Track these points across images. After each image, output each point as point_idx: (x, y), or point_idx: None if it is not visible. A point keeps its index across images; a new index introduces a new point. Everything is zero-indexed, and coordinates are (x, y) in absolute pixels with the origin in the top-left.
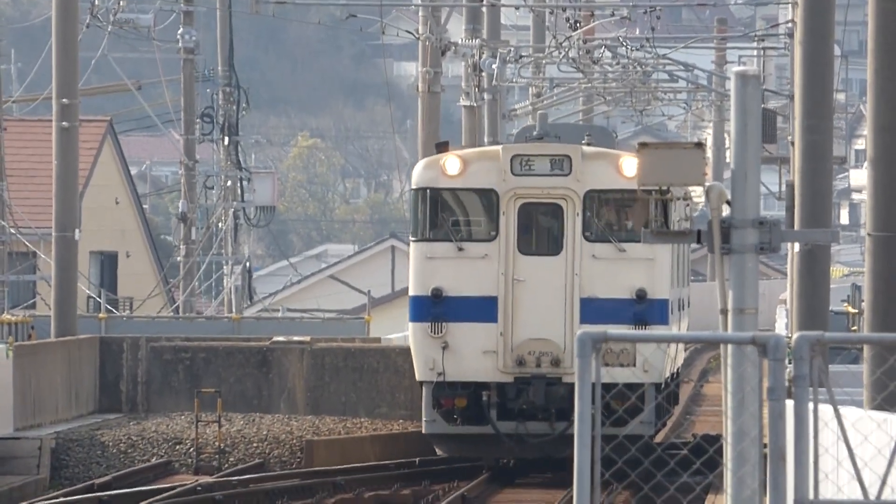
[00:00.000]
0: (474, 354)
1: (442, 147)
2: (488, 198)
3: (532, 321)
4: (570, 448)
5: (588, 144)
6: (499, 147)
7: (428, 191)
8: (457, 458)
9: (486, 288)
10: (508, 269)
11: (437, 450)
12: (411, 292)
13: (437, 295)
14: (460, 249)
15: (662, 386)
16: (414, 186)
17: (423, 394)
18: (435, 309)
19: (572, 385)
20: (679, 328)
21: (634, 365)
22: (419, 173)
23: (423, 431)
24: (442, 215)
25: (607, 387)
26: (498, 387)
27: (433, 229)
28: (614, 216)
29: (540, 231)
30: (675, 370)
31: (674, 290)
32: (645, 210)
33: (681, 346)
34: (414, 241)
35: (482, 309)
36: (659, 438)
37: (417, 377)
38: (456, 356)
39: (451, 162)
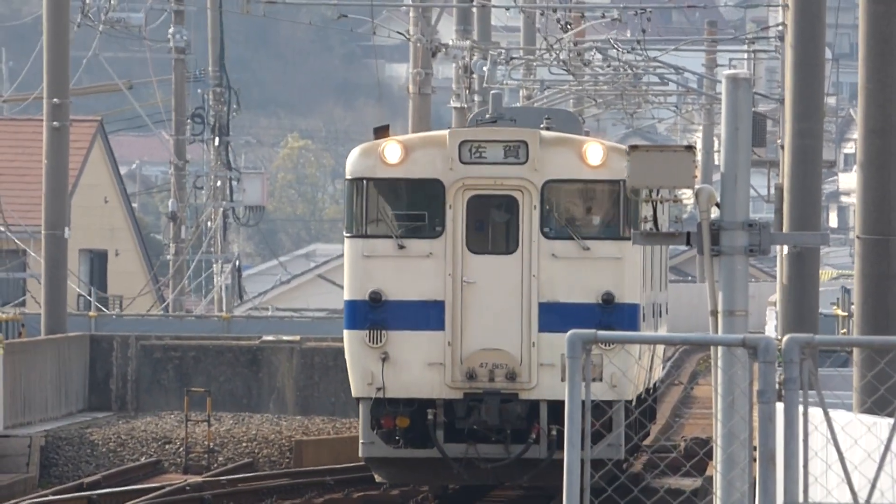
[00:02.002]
0: (418, 367)
1: (381, 132)
2: (433, 189)
3: (484, 329)
4: (527, 474)
5: (548, 129)
6: (445, 132)
7: (364, 181)
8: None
9: (432, 291)
10: (456, 270)
11: (375, 476)
12: (346, 296)
13: (375, 299)
14: (401, 247)
15: (634, 404)
16: (349, 176)
17: (359, 412)
18: (373, 315)
19: (529, 403)
20: (653, 347)
21: (601, 379)
22: (354, 161)
23: (360, 455)
24: (380, 209)
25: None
26: (445, 404)
27: (370, 224)
28: (577, 210)
29: (492, 227)
30: (652, 385)
31: (646, 293)
32: (610, 204)
33: (659, 357)
34: (349, 237)
35: (427, 315)
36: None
37: (353, 393)
38: (397, 369)
39: (390, 149)
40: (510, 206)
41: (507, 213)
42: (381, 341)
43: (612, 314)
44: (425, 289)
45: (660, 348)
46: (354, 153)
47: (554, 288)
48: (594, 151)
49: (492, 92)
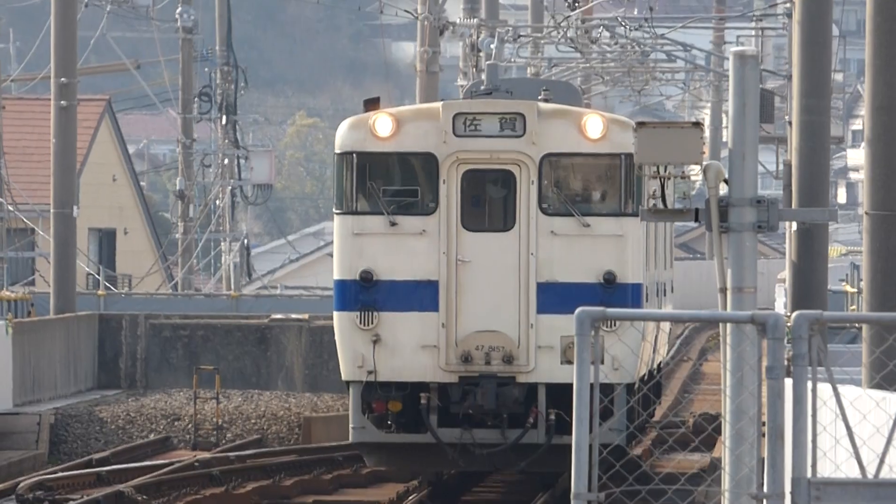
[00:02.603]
0: (411, 350)
1: (372, 104)
2: (426, 163)
3: (480, 310)
4: (524, 460)
5: (546, 101)
6: (439, 104)
7: (354, 155)
8: None
9: (425, 270)
10: (451, 248)
11: (367, 462)
12: (336, 276)
13: (366, 279)
14: (393, 224)
15: (636, 386)
16: (338, 150)
17: (349, 396)
18: (364, 296)
19: (527, 386)
20: (658, 323)
21: (602, 362)
22: (344, 135)
23: (350, 440)
24: (371, 184)
25: (567, 388)
26: (439, 388)
27: (361, 200)
28: (577, 185)
29: (488, 203)
30: (657, 366)
31: (649, 272)
32: (612, 178)
33: (664, 338)
34: (338, 213)
35: (420, 295)
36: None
37: (343, 376)
38: (389, 352)
39: (381, 122)
40: (507, 182)
41: (504, 188)
42: (372, 323)
43: (614, 294)
44: (418, 268)
45: (665, 330)
46: (344, 126)
47: (553, 267)
48: (594, 124)
49: (487, 63)
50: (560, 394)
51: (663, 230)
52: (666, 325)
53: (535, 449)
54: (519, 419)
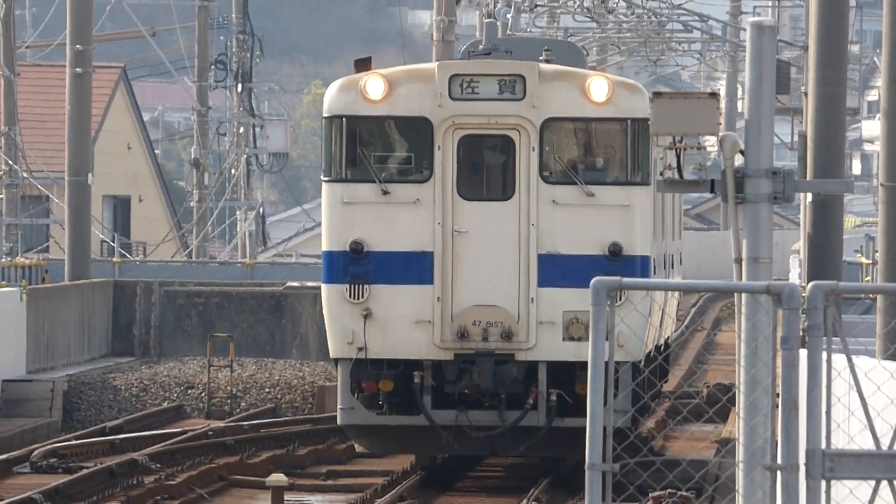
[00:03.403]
0: (404, 325)
1: (363, 65)
2: (420, 128)
3: (477, 284)
4: (523, 443)
5: (547, 62)
6: (433, 64)
7: (344, 119)
8: None
9: (419, 241)
10: (446, 218)
11: (356, 446)
12: (324, 247)
13: (356, 250)
14: (385, 193)
15: (643, 364)
16: (326, 114)
17: (338, 374)
18: (354, 268)
19: (527, 364)
20: (666, 292)
21: (606, 339)
22: (332, 97)
23: (339, 422)
24: (361, 150)
25: (570, 367)
26: (434, 366)
27: (351, 167)
28: (580, 152)
29: (486, 170)
30: (664, 342)
31: (657, 244)
32: (617, 145)
33: (671, 313)
34: (327, 181)
35: (414, 267)
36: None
37: (331, 353)
38: (381, 327)
39: (373, 83)
40: (506, 147)
41: (503, 154)
42: (362, 296)
43: (620, 267)
44: (412, 239)
45: (672, 305)
46: (333, 88)
47: (555, 238)
48: (599, 86)
49: (486, 20)
50: (562, 373)
51: (671, 200)
52: (674, 300)
53: (536, 432)
54: (518, 400)
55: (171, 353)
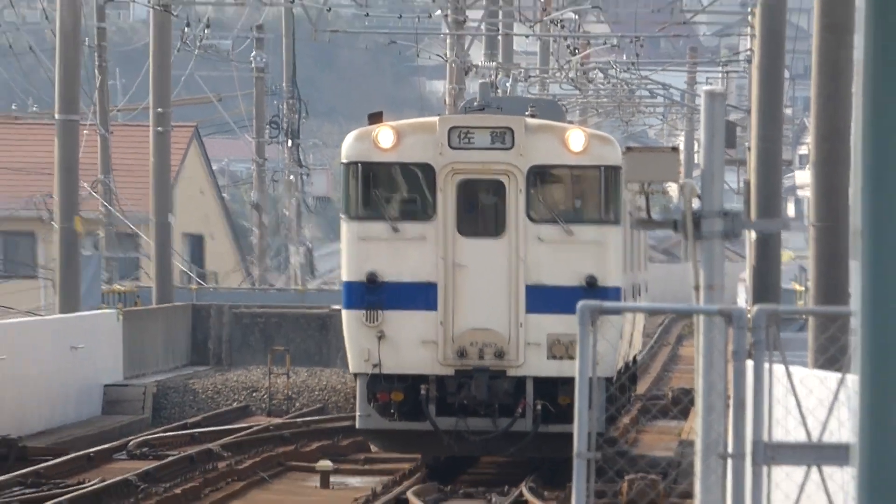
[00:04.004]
0: (412, 345)
1: (375, 118)
2: (425, 173)
3: (474, 310)
4: (513, 446)
5: (532, 116)
6: (435, 118)
7: (359, 165)
8: None
9: (425, 273)
10: (448, 253)
11: (371, 446)
12: (344, 277)
13: (371, 280)
14: (395, 230)
15: (615, 379)
16: (343, 160)
17: (357, 387)
18: (370, 296)
19: (517, 379)
20: (633, 320)
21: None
22: (349, 146)
23: (357, 427)
24: (375, 192)
25: (553, 381)
26: (437, 380)
27: (366, 207)
28: (561, 195)
29: (481, 210)
30: (632, 358)
31: (627, 275)
32: (593, 189)
33: (639, 333)
34: (345, 220)
35: (421, 296)
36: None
37: (351, 369)
38: (393, 347)
39: (383, 134)
40: (498, 190)
41: (495, 196)
42: (377, 320)
43: (595, 296)
44: (419, 271)
45: (639, 328)
46: (349, 138)
47: (540, 271)
48: (576, 138)
49: (479, 81)
50: (546, 386)
51: (638, 236)
52: (640, 323)
53: (524, 436)
54: (509, 409)
55: (239, 363)
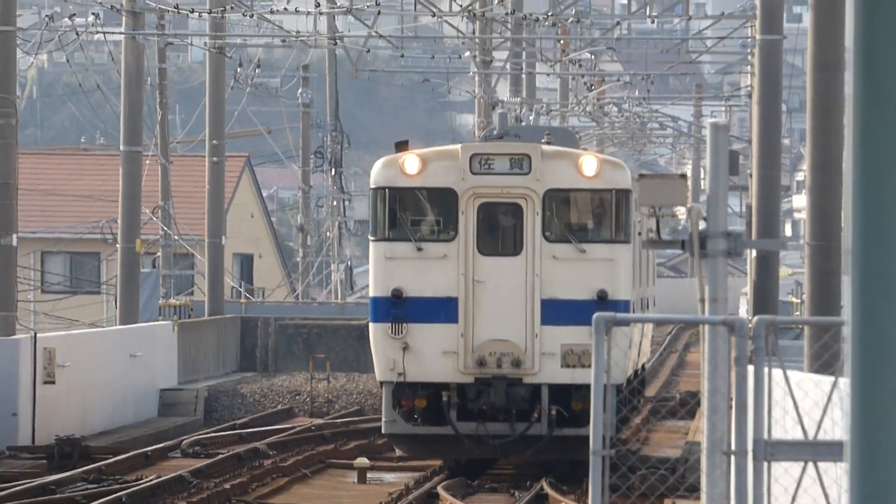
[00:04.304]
0: (435, 355)
1: (402, 146)
2: (447, 197)
3: (493, 322)
4: (530, 449)
5: (548, 143)
6: (458, 146)
7: (387, 190)
8: None
9: (447, 289)
10: (468, 270)
11: (396, 450)
12: (371, 293)
13: (397, 296)
14: (420, 249)
15: (624, 385)
16: (373, 185)
17: (382, 394)
18: (395, 310)
19: (533, 386)
20: (642, 330)
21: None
22: (378, 172)
23: (383, 431)
24: (401, 215)
25: (567, 388)
26: (458, 387)
27: (392, 229)
28: (574, 216)
29: (500, 231)
30: (641, 366)
31: (636, 290)
32: (604, 210)
33: (648, 342)
34: (373, 240)
35: (442, 310)
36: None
37: (378, 377)
38: (416, 357)
39: (409, 161)
40: (515, 213)
41: (513, 218)
42: (402, 333)
43: (606, 309)
44: (441, 287)
45: (646, 341)
46: (378, 165)
47: (554, 286)
48: (589, 163)
49: (498, 111)
50: (560, 393)
51: (647, 254)
52: (648, 334)
53: (539, 440)
54: (525, 414)
55: (284, 369)
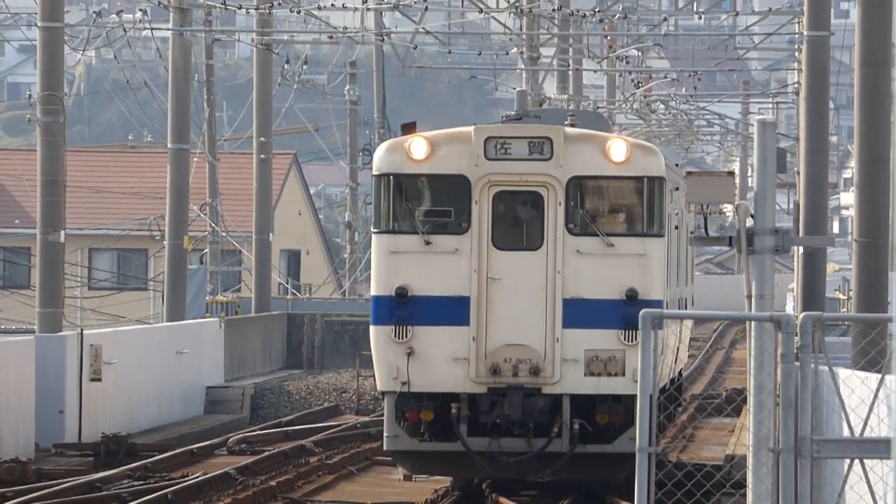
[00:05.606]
0: (443, 362)
1: (408, 128)
2: (459, 185)
3: (508, 325)
4: (549, 467)
5: (572, 125)
6: (471, 128)
7: (391, 177)
8: None
9: (457, 287)
10: (482, 266)
11: (400, 468)
12: (373, 291)
13: (401, 295)
14: (427, 243)
15: (657, 395)
16: (375, 172)
17: (384, 406)
18: (399, 311)
19: (553, 397)
20: (679, 333)
21: (624, 374)
22: (381, 157)
23: (385, 448)
24: (407, 205)
25: (591, 399)
26: (469, 398)
27: (397, 220)
28: (601, 207)
29: (517, 223)
30: (676, 374)
31: (670, 289)
32: (634, 200)
33: (685, 347)
34: (376, 232)
35: (452, 310)
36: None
37: (379, 387)
38: (422, 364)
39: (416, 145)
40: (535, 202)
41: (533, 209)
42: (406, 336)
43: (636, 311)
44: (451, 284)
45: (685, 341)
46: (381, 149)
47: (578, 284)
48: (618, 148)
49: (517, 90)
50: (583, 404)
51: (684, 249)
52: (686, 338)
53: (560, 457)
54: (544, 428)
55: (330, 366)
